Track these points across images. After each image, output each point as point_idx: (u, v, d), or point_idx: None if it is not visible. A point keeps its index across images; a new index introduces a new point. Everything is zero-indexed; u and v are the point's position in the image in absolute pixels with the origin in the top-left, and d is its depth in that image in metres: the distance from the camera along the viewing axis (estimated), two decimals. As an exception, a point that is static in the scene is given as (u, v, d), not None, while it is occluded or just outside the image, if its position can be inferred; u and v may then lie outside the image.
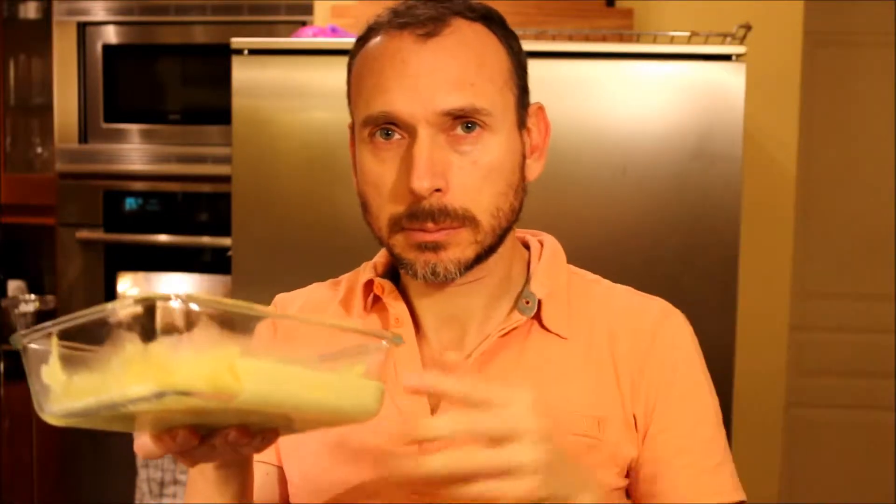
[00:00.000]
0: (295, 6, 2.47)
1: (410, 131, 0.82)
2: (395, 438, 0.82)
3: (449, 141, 0.82)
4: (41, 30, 2.71)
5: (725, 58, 1.71)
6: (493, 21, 0.87)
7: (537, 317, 0.89)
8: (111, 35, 2.54)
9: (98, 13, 2.53)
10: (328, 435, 0.87)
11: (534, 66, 1.74)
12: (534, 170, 0.91)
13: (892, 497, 2.80)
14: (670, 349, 0.90)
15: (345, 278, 1.00)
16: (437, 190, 0.81)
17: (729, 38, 1.78)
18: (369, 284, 0.93)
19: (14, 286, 2.99)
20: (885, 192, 2.79)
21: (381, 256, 0.96)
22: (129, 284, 2.61)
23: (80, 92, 2.55)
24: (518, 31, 2.03)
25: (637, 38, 1.97)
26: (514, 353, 0.88)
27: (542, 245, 0.96)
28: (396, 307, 0.91)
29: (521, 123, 0.88)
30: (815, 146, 2.75)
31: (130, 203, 2.57)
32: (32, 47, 2.85)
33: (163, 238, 2.53)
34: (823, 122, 2.77)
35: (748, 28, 1.78)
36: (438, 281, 0.85)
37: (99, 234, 2.53)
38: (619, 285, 0.98)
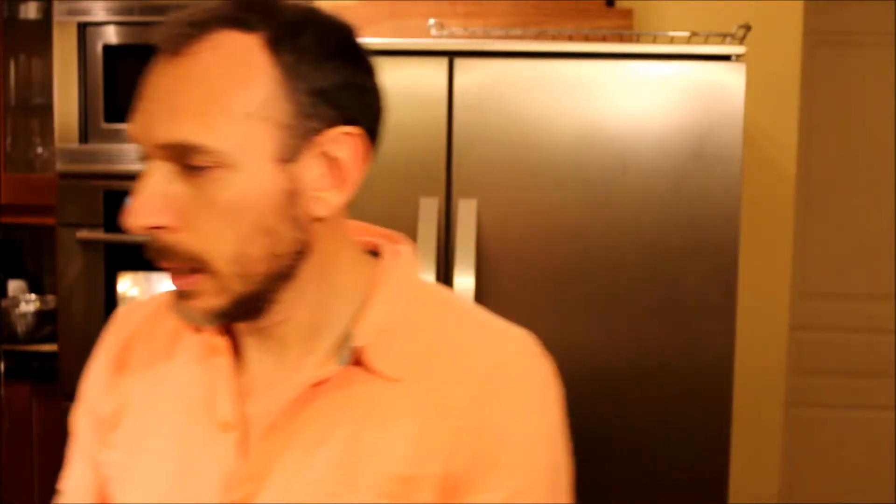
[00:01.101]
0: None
1: (146, 160, 0.74)
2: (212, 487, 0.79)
3: (184, 174, 0.72)
4: (41, 30, 2.71)
5: (725, 58, 1.71)
6: (281, 33, 0.74)
7: (358, 361, 0.79)
8: (111, 35, 2.54)
9: (98, 13, 2.53)
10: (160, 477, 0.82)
11: (534, 66, 1.74)
12: (328, 203, 0.77)
13: (892, 497, 2.80)
14: (512, 399, 0.79)
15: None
16: (164, 227, 0.72)
17: (729, 39, 1.79)
18: None
19: (14, 286, 2.99)
20: (885, 192, 2.79)
21: None
22: (129, 284, 2.61)
23: (80, 92, 2.54)
24: (518, 31, 2.03)
25: (637, 39, 1.97)
26: (330, 400, 0.78)
27: (389, 261, 0.85)
28: (212, 337, 0.82)
29: (291, 156, 0.74)
30: (814, 146, 2.75)
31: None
32: (33, 47, 2.85)
33: (163, 238, 2.53)
34: (823, 122, 2.77)
35: (748, 28, 1.78)
36: (200, 326, 0.78)
37: (99, 234, 2.53)
38: (479, 313, 0.86)
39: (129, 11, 2.53)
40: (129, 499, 0.83)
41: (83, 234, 2.53)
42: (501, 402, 0.79)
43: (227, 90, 0.72)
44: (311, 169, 0.76)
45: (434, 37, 1.90)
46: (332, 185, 0.78)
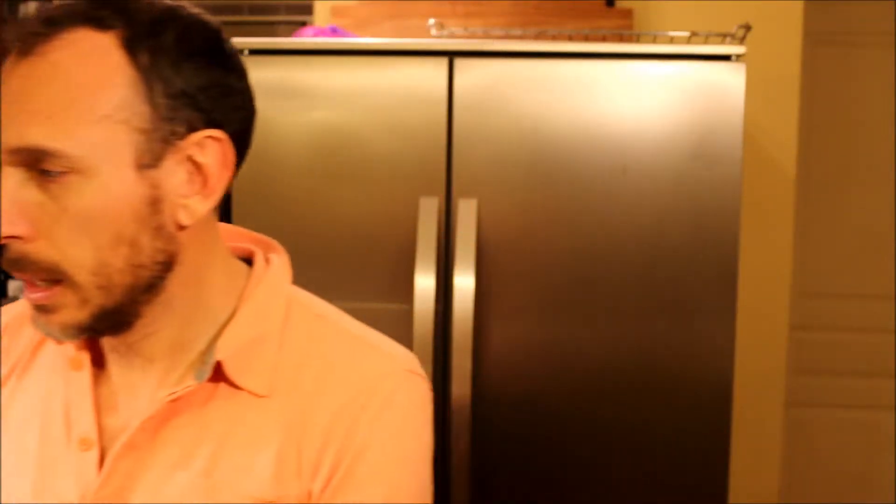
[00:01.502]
0: (295, 6, 2.47)
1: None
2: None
3: (38, 180, 0.68)
4: (41, 30, 2.71)
5: (725, 58, 1.71)
6: (139, 31, 0.70)
7: (221, 377, 0.76)
8: (111, 35, 2.54)
9: (98, 13, 2.53)
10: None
11: (534, 66, 1.74)
12: (193, 211, 0.74)
13: (892, 497, 2.80)
14: (374, 415, 0.76)
15: None
16: (15, 237, 0.68)
17: (729, 39, 1.79)
18: None
19: (14, 286, 2.99)
20: (885, 192, 2.79)
21: None
22: (129, 284, 2.60)
23: (80, 92, 2.54)
24: (518, 31, 2.04)
25: (637, 39, 1.97)
26: (191, 416, 0.75)
27: (259, 271, 0.82)
28: (70, 348, 0.79)
29: (151, 161, 0.71)
30: (815, 146, 2.75)
31: (130, 203, 2.57)
32: (32, 47, 2.85)
33: (163, 238, 2.53)
34: (823, 122, 2.77)
35: (748, 28, 1.78)
36: (61, 341, 0.75)
37: (99, 234, 2.53)
38: (355, 326, 0.83)
39: (129, 11, 2.53)
40: None
41: (83, 234, 2.52)
42: (365, 420, 0.76)
43: (80, 92, 0.68)
44: (173, 175, 0.72)
45: (434, 37, 1.90)
46: (197, 191, 0.74)
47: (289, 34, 2.02)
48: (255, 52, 1.77)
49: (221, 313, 0.79)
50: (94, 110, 0.69)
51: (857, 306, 2.83)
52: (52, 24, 0.70)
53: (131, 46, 0.70)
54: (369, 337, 0.83)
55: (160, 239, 0.72)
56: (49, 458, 0.78)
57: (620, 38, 1.97)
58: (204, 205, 0.75)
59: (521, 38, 1.89)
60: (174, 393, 0.75)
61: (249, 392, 0.76)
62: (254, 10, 2.49)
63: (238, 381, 0.76)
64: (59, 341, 0.76)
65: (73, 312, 0.71)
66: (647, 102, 1.72)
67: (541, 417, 1.76)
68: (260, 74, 1.76)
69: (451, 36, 1.92)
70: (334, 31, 1.90)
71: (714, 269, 1.72)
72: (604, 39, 1.89)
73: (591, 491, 1.77)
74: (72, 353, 0.79)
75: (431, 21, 1.90)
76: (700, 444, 1.75)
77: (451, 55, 1.74)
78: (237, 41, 1.78)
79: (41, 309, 0.72)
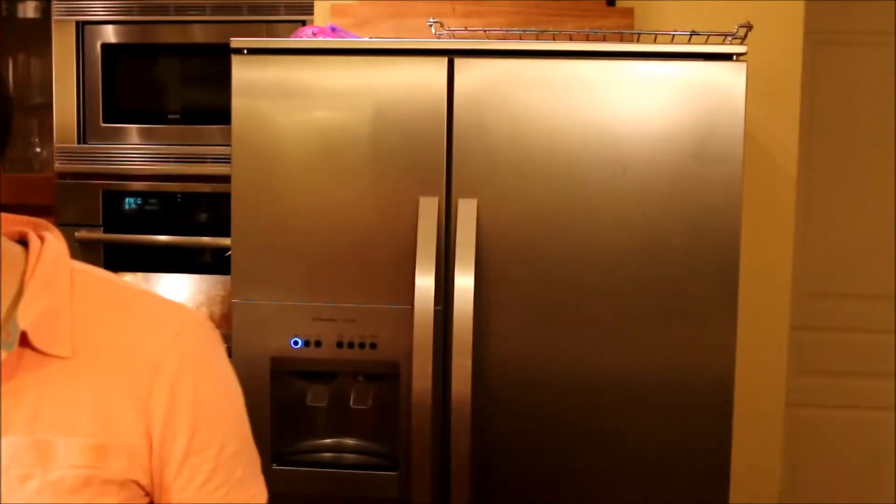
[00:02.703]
0: (295, 5, 2.47)
1: None
2: None
3: None
4: (41, 29, 2.71)
5: (726, 57, 1.71)
6: None
7: (26, 343, 0.81)
8: (110, 34, 2.54)
9: (97, 13, 2.53)
10: None
11: (534, 65, 1.74)
12: None
13: (892, 497, 2.80)
14: (194, 367, 0.85)
15: None
16: None
17: (729, 38, 1.78)
18: None
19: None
20: (886, 193, 2.79)
21: None
22: (128, 284, 2.60)
23: (79, 91, 2.54)
24: (518, 31, 2.03)
25: (637, 38, 1.96)
26: (6, 387, 0.80)
27: (42, 244, 0.87)
28: None
29: None
30: (815, 146, 2.75)
31: (130, 203, 2.57)
32: (32, 47, 2.84)
33: (162, 238, 2.53)
34: (824, 122, 2.77)
35: (749, 28, 1.78)
36: None
37: (98, 234, 2.53)
38: (136, 288, 0.91)
39: (128, 11, 2.53)
40: None
41: (82, 234, 2.52)
42: (182, 372, 0.84)
43: None
44: None
45: (434, 37, 1.90)
46: None
47: (288, 34, 2.02)
48: (254, 51, 1.76)
49: (8, 292, 0.83)
50: None
51: (857, 306, 2.83)
52: None
53: None
54: (157, 296, 0.91)
55: None
56: None
57: (621, 38, 1.97)
58: None
59: (521, 37, 1.88)
60: None
61: (55, 356, 0.82)
62: (253, 9, 2.48)
63: (42, 347, 0.81)
64: None
65: None
66: (648, 102, 1.71)
67: (541, 417, 1.76)
68: (260, 74, 1.76)
69: (451, 36, 1.91)
70: (334, 31, 1.90)
71: (715, 268, 1.72)
72: (604, 39, 1.89)
73: (591, 491, 1.77)
74: None
75: (431, 21, 1.90)
76: (701, 443, 1.75)
77: (451, 55, 1.74)
78: (236, 41, 1.78)
79: None
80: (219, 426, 0.87)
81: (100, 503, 0.80)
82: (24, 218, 0.91)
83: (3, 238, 0.86)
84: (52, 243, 0.88)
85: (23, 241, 0.88)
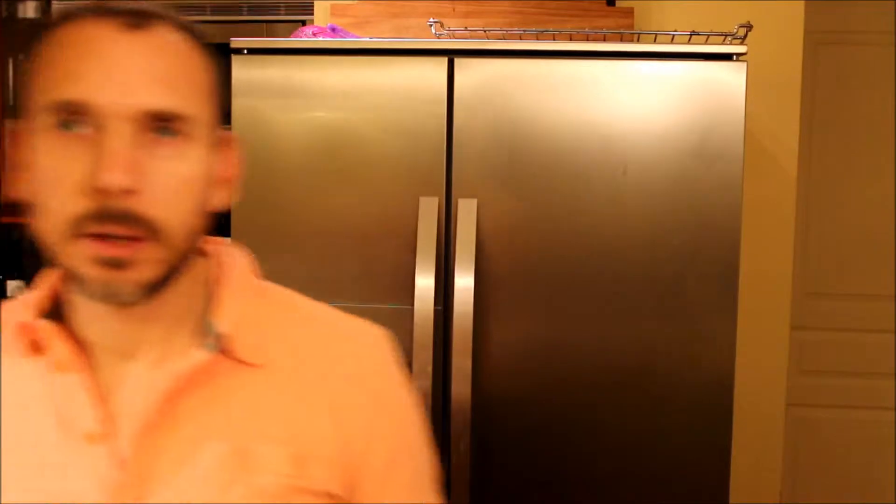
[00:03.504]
0: (295, 5, 2.47)
1: (103, 125, 0.72)
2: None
3: (145, 143, 0.73)
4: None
5: (726, 57, 1.71)
6: (198, 35, 0.80)
7: (227, 350, 0.81)
8: (111, 35, 2.54)
9: (97, 13, 2.53)
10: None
11: (534, 65, 1.74)
12: (221, 200, 0.82)
13: (892, 497, 2.80)
14: (389, 380, 0.88)
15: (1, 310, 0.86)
16: (129, 191, 0.72)
17: (729, 38, 1.78)
18: (25, 328, 0.81)
19: (13, 286, 2.98)
20: (886, 192, 2.79)
21: (43, 287, 0.84)
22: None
23: (79, 92, 2.54)
24: (518, 31, 2.03)
25: (637, 38, 1.96)
26: (204, 392, 0.80)
27: (227, 259, 0.87)
28: (60, 350, 0.79)
29: (213, 145, 0.80)
30: (815, 146, 2.75)
31: (130, 203, 2.57)
32: (32, 47, 2.84)
33: (162, 238, 2.53)
34: (824, 122, 2.77)
35: (749, 27, 1.78)
36: (116, 303, 0.76)
37: (98, 234, 2.53)
38: (318, 303, 0.91)
39: (129, 11, 2.53)
40: None
41: (82, 233, 2.52)
42: (380, 379, 0.86)
43: (189, 70, 0.77)
44: (215, 163, 0.80)
45: (434, 37, 1.90)
46: (221, 184, 0.83)
47: (288, 33, 2.02)
48: (254, 51, 1.76)
49: (202, 301, 0.84)
50: (200, 87, 0.78)
51: (857, 306, 2.83)
52: (146, 10, 0.76)
53: (203, 49, 0.80)
54: (334, 311, 0.91)
55: (205, 217, 0.80)
56: (53, 465, 0.78)
57: (621, 38, 1.97)
58: (227, 198, 0.83)
59: (521, 37, 1.88)
60: (187, 367, 0.79)
61: (250, 364, 0.81)
62: (253, 9, 2.48)
63: (240, 355, 0.81)
64: (111, 301, 0.76)
65: (150, 269, 0.75)
66: (648, 102, 1.71)
67: (541, 417, 1.76)
68: (260, 74, 1.76)
69: (451, 36, 1.91)
70: (334, 31, 1.90)
71: (715, 268, 1.72)
72: (604, 39, 1.89)
73: (591, 491, 1.77)
74: (61, 357, 0.79)
75: (431, 21, 1.90)
76: (701, 443, 1.75)
77: (451, 55, 1.74)
78: (237, 41, 1.78)
79: (116, 265, 0.73)
80: (411, 437, 0.89)
81: None
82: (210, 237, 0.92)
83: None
84: (238, 253, 0.89)
85: (207, 257, 0.88)
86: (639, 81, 1.72)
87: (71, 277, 0.77)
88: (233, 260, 0.88)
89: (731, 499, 1.78)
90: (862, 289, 2.82)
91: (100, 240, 0.73)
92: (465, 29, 1.95)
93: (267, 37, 2.42)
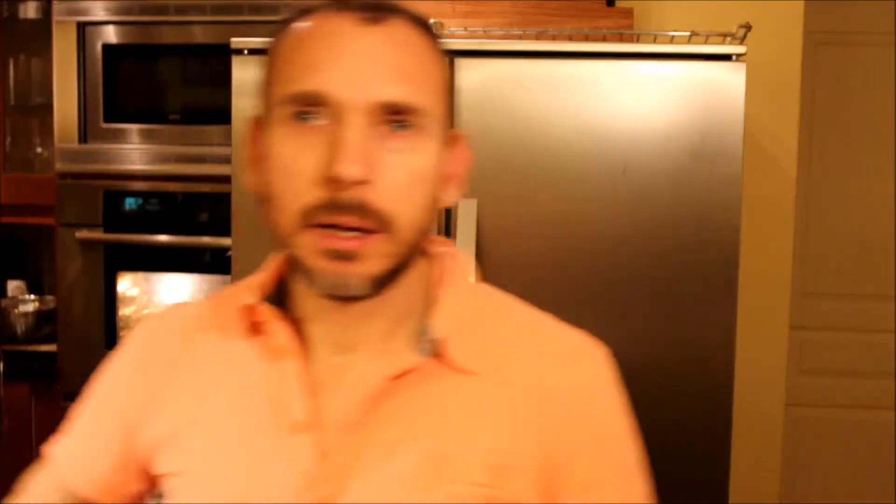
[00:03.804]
0: (295, 6, 2.47)
1: (339, 117, 0.73)
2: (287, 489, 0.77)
3: (379, 135, 0.74)
4: (41, 29, 2.71)
5: (726, 57, 1.71)
6: (429, 30, 0.81)
7: (440, 353, 0.80)
8: (111, 35, 2.54)
9: (98, 13, 2.53)
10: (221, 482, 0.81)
11: (534, 65, 1.74)
12: (450, 197, 0.82)
13: (892, 497, 2.80)
14: (601, 395, 0.84)
15: (224, 297, 0.89)
16: (362, 182, 0.72)
17: (729, 38, 1.78)
18: (249, 309, 0.83)
19: (14, 286, 2.99)
20: (885, 193, 2.79)
21: (266, 273, 0.86)
22: (128, 284, 2.60)
23: (79, 92, 2.54)
24: (518, 31, 2.03)
25: (637, 38, 1.97)
26: (410, 394, 0.79)
27: (448, 260, 0.86)
28: (280, 336, 0.81)
29: (446, 140, 0.81)
30: (815, 146, 2.75)
31: (130, 203, 2.57)
32: (32, 47, 2.84)
33: (163, 238, 2.53)
34: (823, 122, 2.77)
35: (748, 28, 1.78)
36: (344, 295, 0.76)
37: (99, 234, 2.53)
38: (538, 312, 0.89)
39: (129, 11, 2.53)
40: None
41: (83, 234, 2.52)
42: (594, 401, 0.83)
43: (428, 64, 0.78)
44: (445, 161, 0.81)
45: (434, 36, 1.89)
46: (449, 182, 0.82)
47: (289, 34, 2.02)
48: (254, 51, 1.76)
49: (421, 301, 0.83)
50: (434, 82, 0.79)
51: (857, 306, 2.83)
52: (384, 7, 0.78)
53: (435, 45, 0.81)
54: (555, 321, 0.89)
55: (432, 213, 0.79)
56: (261, 447, 0.79)
57: (621, 38, 1.97)
58: (454, 195, 0.83)
59: (521, 37, 1.88)
60: (399, 368, 0.78)
61: (461, 370, 0.80)
62: (254, 9, 2.48)
63: (453, 359, 0.80)
64: (339, 293, 0.76)
65: (378, 263, 0.75)
66: (648, 102, 1.72)
67: (541, 417, 1.76)
68: (260, 74, 1.76)
69: (452, 36, 1.92)
70: (334, 31, 1.90)
71: (714, 268, 1.72)
72: (604, 39, 1.89)
73: (591, 491, 1.77)
74: (280, 342, 0.81)
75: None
76: (700, 443, 1.75)
77: (452, 55, 1.74)
78: (237, 41, 1.78)
79: (345, 257, 0.74)
80: (618, 462, 0.84)
81: None
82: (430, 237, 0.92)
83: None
84: (460, 261, 0.88)
85: (428, 257, 0.88)
86: (638, 82, 1.72)
87: (299, 268, 0.77)
88: (454, 262, 0.86)
89: (731, 499, 1.78)
90: (862, 289, 2.82)
91: (331, 232, 0.73)
92: (465, 29, 1.95)
93: (267, 37, 2.42)
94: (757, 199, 2.27)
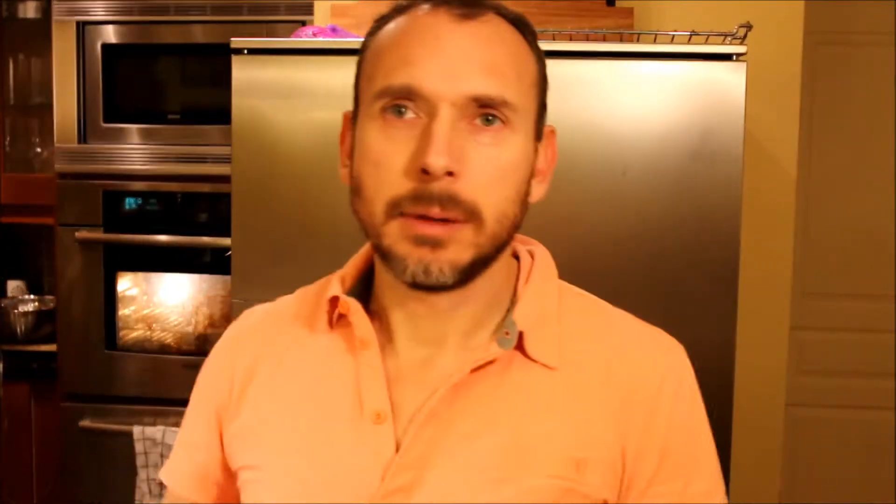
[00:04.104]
0: (295, 6, 2.47)
1: (430, 110, 0.75)
2: (364, 475, 0.79)
3: (468, 129, 0.76)
4: (41, 29, 2.71)
5: (726, 57, 1.71)
6: (526, 28, 0.84)
7: (520, 346, 0.82)
8: (111, 35, 2.54)
9: (97, 13, 2.53)
10: (299, 471, 0.82)
11: (534, 65, 1.74)
12: (537, 192, 0.85)
13: (892, 497, 2.80)
14: (673, 390, 0.84)
15: (312, 290, 0.93)
16: (450, 174, 0.74)
17: (729, 38, 1.78)
18: (334, 301, 0.86)
19: (14, 286, 2.99)
20: (885, 192, 2.79)
21: (351, 266, 0.90)
22: (128, 285, 2.60)
23: (79, 92, 2.54)
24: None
25: (637, 38, 1.96)
26: (489, 386, 0.80)
27: (532, 258, 0.89)
28: (362, 328, 0.83)
29: (538, 136, 0.83)
30: (815, 146, 2.75)
31: (130, 203, 2.57)
32: (32, 47, 2.84)
33: (162, 238, 2.53)
34: (824, 122, 2.77)
35: (749, 28, 1.78)
36: (429, 283, 0.77)
37: (98, 234, 2.53)
38: (615, 308, 0.91)
39: (129, 11, 2.53)
40: (277, 499, 0.82)
41: (82, 234, 2.52)
42: (668, 394, 0.83)
43: (520, 61, 0.79)
44: (536, 155, 0.83)
45: (434, 36, 1.89)
46: (538, 177, 0.84)
47: (288, 34, 2.02)
48: (254, 51, 1.76)
49: (503, 299, 0.85)
50: (526, 77, 0.80)
51: (857, 306, 2.83)
52: (478, 4, 0.79)
53: (529, 40, 0.83)
54: (634, 318, 0.91)
55: (524, 207, 0.82)
56: (342, 436, 0.81)
57: (621, 38, 1.97)
58: (542, 189, 0.85)
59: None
60: (482, 359, 0.79)
61: (541, 364, 0.81)
62: (254, 9, 2.48)
63: (533, 353, 0.81)
64: (424, 280, 0.77)
65: (463, 251, 0.76)
66: (648, 102, 1.71)
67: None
68: (260, 74, 1.76)
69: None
70: (334, 31, 1.90)
71: (714, 268, 1.72)
72: (604, 39, 1.89)
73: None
74: (362, 334, 0.82)
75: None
76: (700, 444, 1.75)
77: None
78: (237, 41, 1.78)
79: (433, 244, 0.75)
80: (690, 458, 0.83)
81: None
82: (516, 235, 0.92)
83: (507, 253, 0.87)
84: (543, 258, 0.90)
85: (515, 256, 0.90)
86: (638, 82, 1.72)
87: (386, 257, 0.79)
88: (540, 260, 0.89)
89: (731, 499, 1.78)
90: (862, 289, 2.82)
91: (418, 219, 0.75)
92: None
93: (267, 37, 2.42)
94: (757, 199, 2.26)
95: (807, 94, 2.53)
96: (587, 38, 1.88)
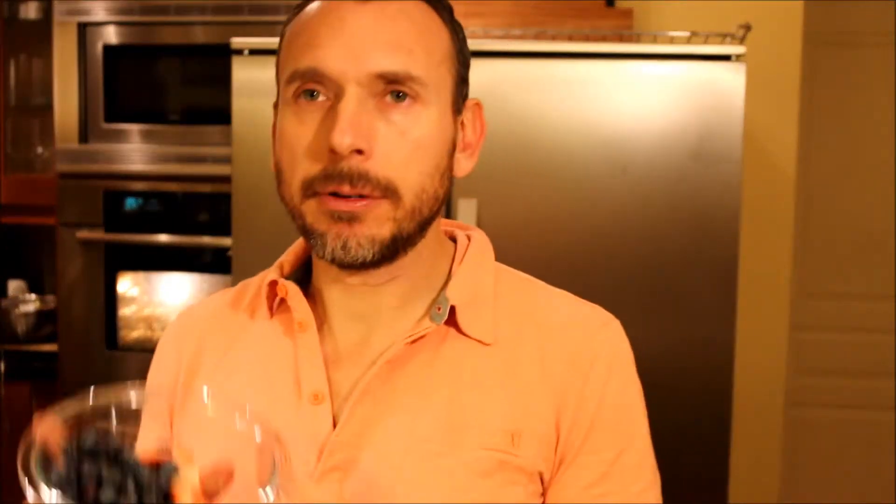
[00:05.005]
0: (295, 6, 2.47)
1: (337, 91, 0.76)
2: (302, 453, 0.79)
3: (378, 107, 0.77)
4: (41, 30, 2.71)
5: (725, 58, 1.71)
6: (439, 3, 0.83)
7: (453, 322, 0.82)
8: (111, 35, 2.54)
9: (98, 13, 2.53)
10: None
11: (534, 66, 1.74)
12: (463, 167, 0.86)
13: (892, 497, 2.80)
14: (606, 364, 0.84)
15: (254, 281, 0.93)
16: (359, 152, 0.75)
17: (729, 39, 1.78)
18: (273, 286, 0.86)
19: (14, 286, 2.99)
20: (885, 192, 2.79)
21: (290, 253, 0.90)
22: (129, 284, 2.60)
23: (80, 92, 2.54)
24: (518, 31, 2.03)
25: (637, 39, 1.97)
26: (424, 360, 0.81)
27: (469, 241, 0.90)
28: (300, 310, 0.84)
29: (457, 110, 0.83)
30: (815, 146, 2.75)
31: (130, 203, 2.57)
32: (33, 47, 2.84)
33: (163, 238, 2.53)
34: (823, 122, 2.77)
35: (748, 28, 1.78)
36: (349, 260, 0.77)
37: (99, 234, 2.53)
38: (555, 288, 0.92)
39: (129, 11, 2.53)
40: None
41: (83, 233, 2.52)
42: (601, 368, 0.83)
43: (428, 36, 0.79)
44: (461, 128, 0.84)
45: (434, 37, 1.90)
46: (463, 151, 0.85)
47: (289, 34, 2.02)
48: (254, 52, 1.76)
49: (437, 278, 0.85)
50: (437, 52, 0.80)
51: (857, 306, 2.83)
52: None
53: (442, 15, 0.82)
54: (572, 297, 0.91)
55: (446, 181, 0.82)
56: (278, 419, 0.79)
57: (620, 38, 1.97)
58: (470, 163, 0.87)
59: (520, 38, 1.89)
60: (415, 333, 0.80)
61: (476, 340, 0.82)
62: (254, 10, 2.48)
63: (467, 329, 0.82)
64: (343, 258, 0.78)
65: (381, 226, 0.77)
66: (647, 102, 1.72)
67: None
68: (260, 74, 1.76)
69: (451, 36, 1.92)
70: (334, 31, 1.90)
71: (714, 268, 1.72)
72: (604, 39, 1.89)
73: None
74: (300, 316, 0.83)
75: None
76: (700, 443, 1.75)
77: (451, 55, 1.74)
78: (237, 41, 1.78)
79: (348, 219, 0.76)
80: (620, 432, 0.85)
81: (509, 490, 0.79)
82: (454, 222, 0.95)
83: (439, 232, 0.88)
84: (479, 240, 0.91)
85: (452, 239, 0.91)
86: (638, 82, 1.72)
87: (309, 236, 0.80)
88: (476, 242, 0.90)
89: (731, 499, 1.78)
90: (861, 289, 2.82)
91: (331, 196, 0.76)
92: (465, 29, 1.95)
93: (267, 37, 2.43)
94: (757, 200, 2.27)
95: (806, 95, 2.53)
96: (587, 39, 1.88)
